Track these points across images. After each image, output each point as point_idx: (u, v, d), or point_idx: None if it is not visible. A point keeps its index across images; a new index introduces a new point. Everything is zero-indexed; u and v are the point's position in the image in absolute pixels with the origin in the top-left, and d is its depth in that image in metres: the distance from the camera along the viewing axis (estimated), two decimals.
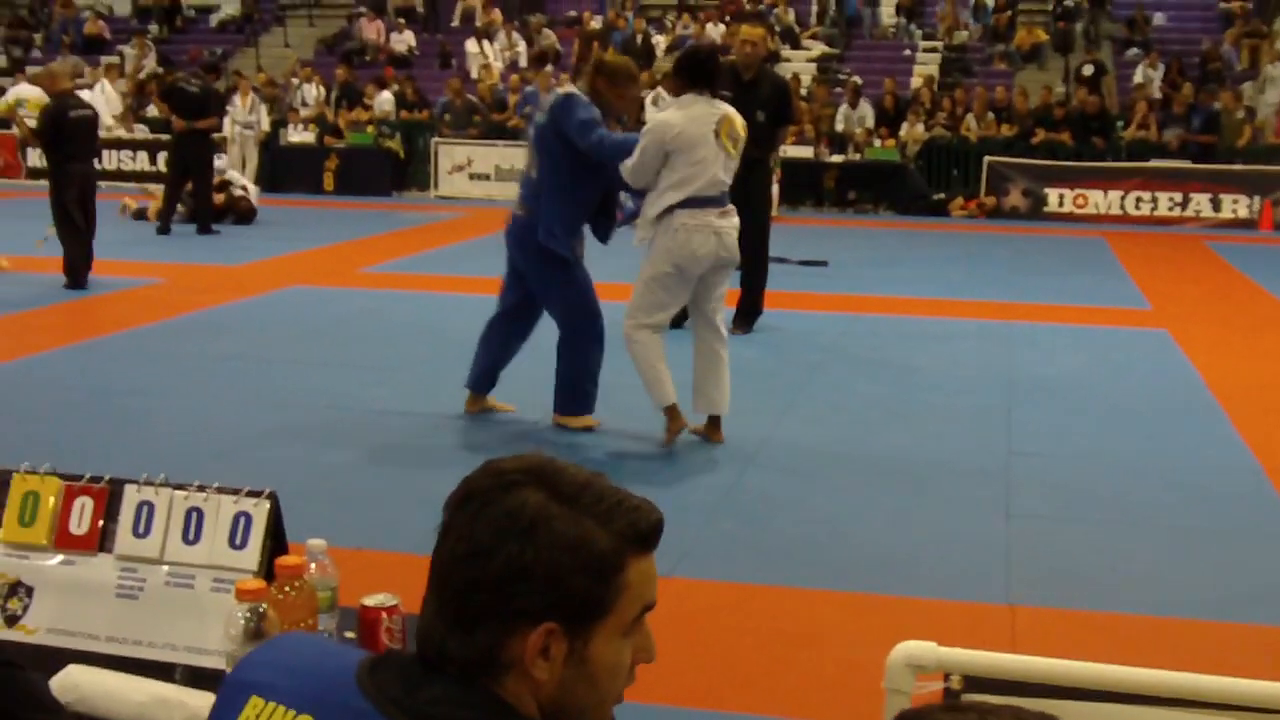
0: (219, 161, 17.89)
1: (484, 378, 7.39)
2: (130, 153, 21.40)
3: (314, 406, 7.63)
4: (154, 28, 27.41)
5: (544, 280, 7.04)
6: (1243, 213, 18.52)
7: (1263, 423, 7.65)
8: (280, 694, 1.58)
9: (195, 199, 15.82)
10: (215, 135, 20.03)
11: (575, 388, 7.15)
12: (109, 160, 21.69)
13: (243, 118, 20.90)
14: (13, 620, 2.62)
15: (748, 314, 10.05)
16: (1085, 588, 5.11)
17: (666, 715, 3.99)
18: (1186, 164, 19.00)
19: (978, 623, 4.71)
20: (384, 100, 22.29)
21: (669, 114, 6.82)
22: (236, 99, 21.20)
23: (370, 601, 2.39)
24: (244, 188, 17.28)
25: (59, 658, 2.49)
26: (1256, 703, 2.06)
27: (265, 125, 21.01)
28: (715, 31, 24.35)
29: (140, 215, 16.42)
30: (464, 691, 1.54)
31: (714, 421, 7.01)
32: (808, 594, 5.01)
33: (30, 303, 10.74)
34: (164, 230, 15.35)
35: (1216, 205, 18.63)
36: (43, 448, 4.38)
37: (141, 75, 24.08)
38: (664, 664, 4.48)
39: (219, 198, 16.50)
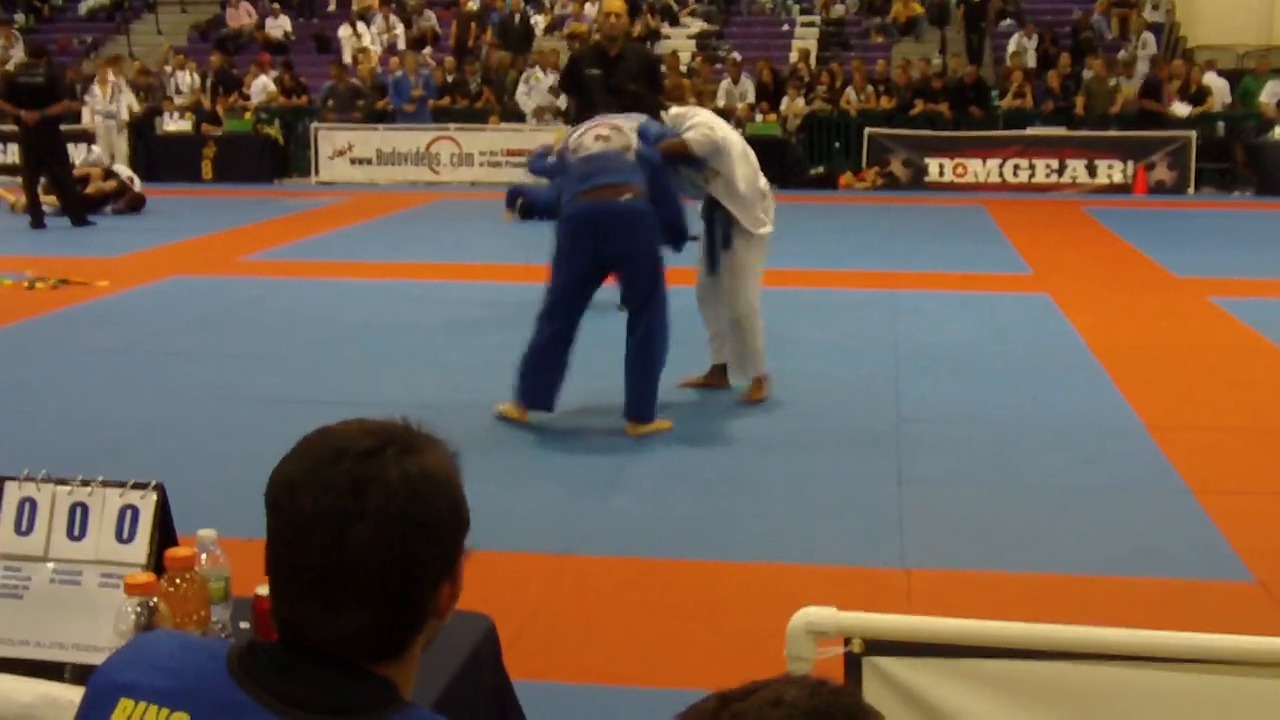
0: (93, 152, 17.47)
1: (545, 396, 6.84)
2: (1, 145, 20.86)
3: (200, 397, 7.51)
4: (20, 17, 26.74)
5: (654, 269, 6.66)
6: (1118, 178, 18.87)
7: (1143, 381, 7.81)
8: (151, 693, 1.53)
9: (57, 191, 15.34)
10: (81, 127, 19.69)
11: (655, 391, 6.78)
12: None
13: (103, 107, 20.45)
14: None
15: None
16: (977, 548, 5.18)
17: (568, 693, 3.99)
18: (1062, 131, 19.32)
19: (874, 587, 4.76)
20: (262, 86, 21.97)
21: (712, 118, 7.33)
22: (95, 88, 20.75)
23: (264, 591, 2.35)
24: (130, 178, 16.94)
25: None
26: (1146, 652, 2.10)
27: (124, 114, 20.51)
28: (593, 10, 24.29)
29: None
30: (348, 676, 1.52)
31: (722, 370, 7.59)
32: (705, 566, 5.03)
33: None
34: (37, 224, 14.98)
35: (1092, 171, 18.97)
36: None
37: (9, 66, 23.50)
38: (565, 642, 4.51)
39: (108, 184, 16.13)
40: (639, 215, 6.57)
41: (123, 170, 17.06)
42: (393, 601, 1.52)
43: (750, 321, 7.27)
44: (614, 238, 6.55)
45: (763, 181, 7.36)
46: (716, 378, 7.60)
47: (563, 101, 16.52)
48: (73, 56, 24.69)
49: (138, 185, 16.94)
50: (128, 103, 20.52)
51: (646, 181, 6.60)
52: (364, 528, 1.49)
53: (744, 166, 7.18)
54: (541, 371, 6.77)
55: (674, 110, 7.37)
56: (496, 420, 6.90)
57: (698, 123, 7.02)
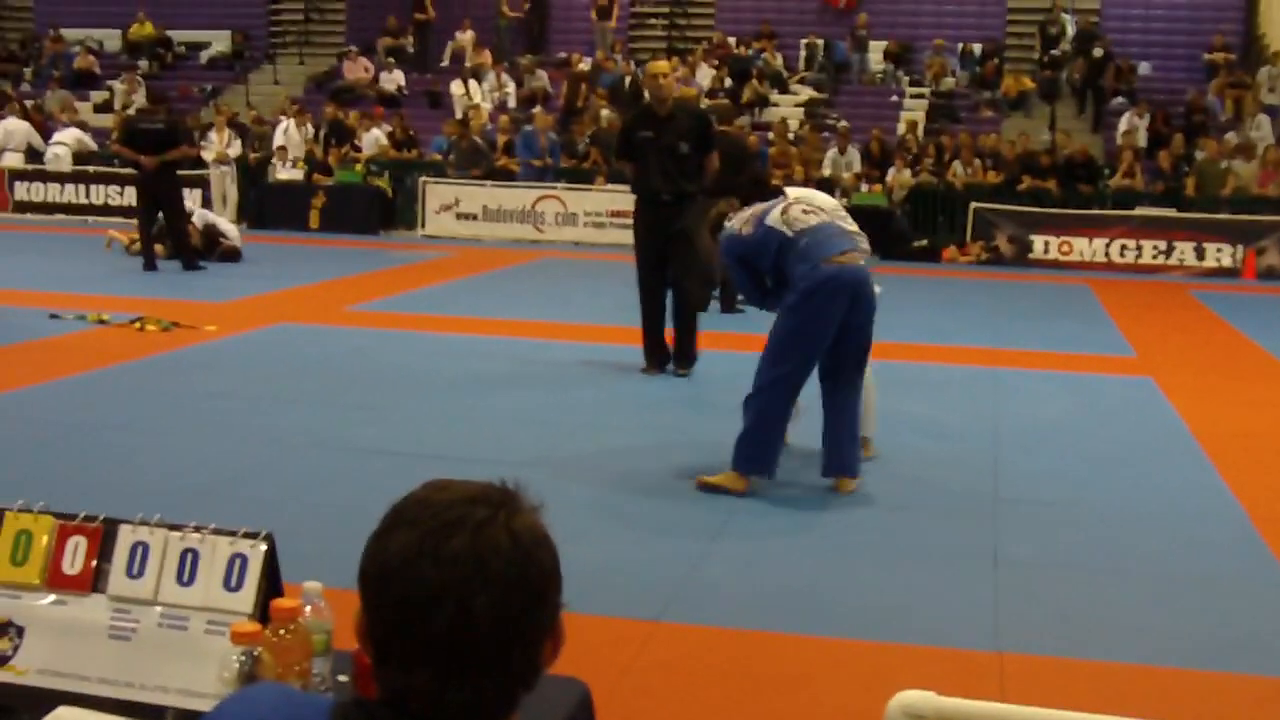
0: (195, 205, 17.64)
1: (774, 463, 6.96)
2: (119, 188, 21.36)
3: (302, 445, 7.61)
4: (144, 64, 27.46)
5: (871, 335, 6.97)
6: (1226, 261, 18.61)
7: (1248, 470, 7.67)
8: None
9: (172, 236, 15.64)
10: (199, 173, 20.12)
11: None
12: (96, 195, 21.72)
13: (218, 154, 20.98)
14: (3, 661, 2.61)
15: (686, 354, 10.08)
16: (1073, 635, 5.11)
17: None
18: (1171, 212, 19.11)
19: (967, 670, 4.70)
20: (374, 139, 22.35)
21: None
22: (213, 135, 21.27)
23: None
24: (216, 229, 17.02)
25: (50, 699, 2.48)
26: None
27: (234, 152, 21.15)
28: (705, 76, 24.47)
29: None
30: None
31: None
32: (796, 640, 5.00)
33: (9, 337, 10.69)
34: (149, 267, 15.31)
35: (1200, 254, 18.72)
36: (27, 485, 4.36)
37: (130, 112, 24.12)
38: (653, 709, 4.50)
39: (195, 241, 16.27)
40: (864, 276, 6.78)
41: (228, 228, 17.12)
42: (511, 664, 1.54)
43: (870, 385, 7.42)
44: (862, 302, 6.74)
45: None
46: None
47: None
48: (192, 103, 25.27)
49: (236, 236, 17.10)
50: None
51: None
52: (487, 597, 1.52)
53: None
54: (777, 441, 6.88)
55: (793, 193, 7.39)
56: (580, 483, 6.94)
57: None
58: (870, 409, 7.53)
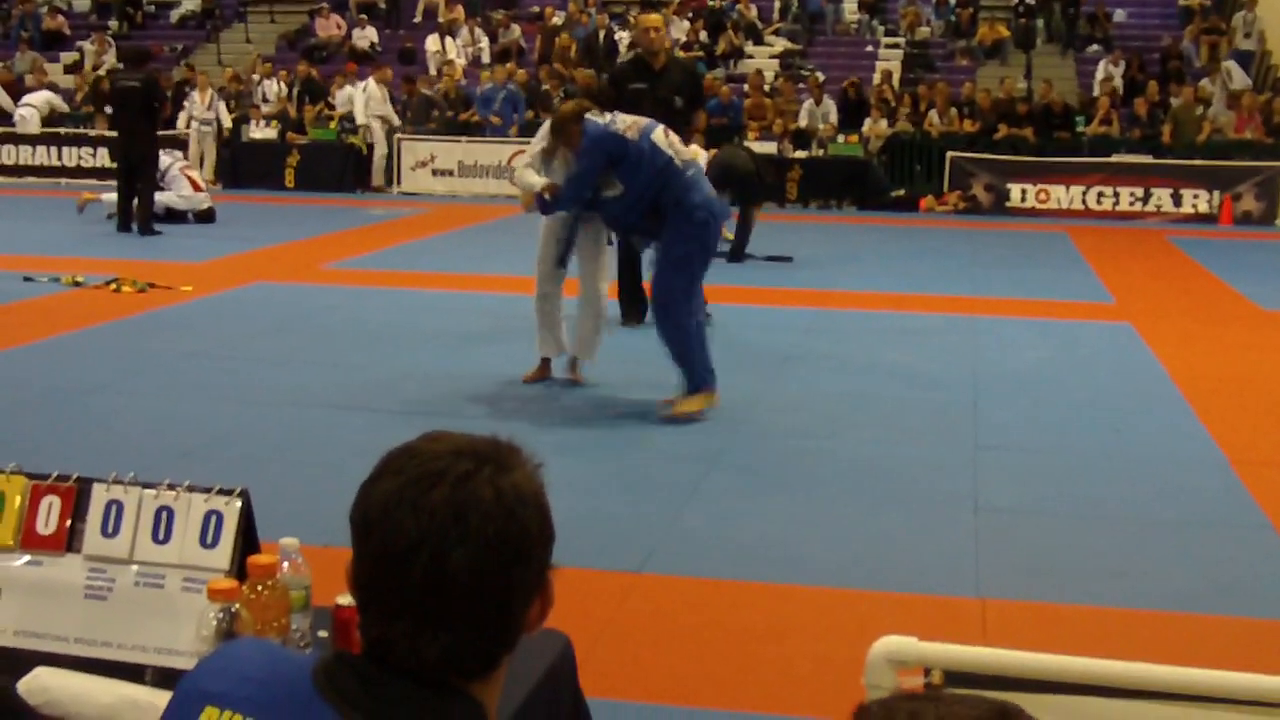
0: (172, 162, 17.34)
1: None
2: (90, 150, 21.21)
3: (280, 403, 7.58)
4: (114, 23, 27.18)
5: None
6: (1203, 207, 18.62)
7: (1227, 415, 7.69)
8: (236, 702, 1.55)
9: (139, 200, 15.37)
10: (173, 133, 19.92)
11: None
12: (69, 157, 21.54)
13: (201, 114, 20.80)
14: None
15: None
16: (1054, 580, 5.12)
17: (638, 712, 3.98)
18: (1148, 159, 19.10)
19: (949, 616, 4.71)
20: (347, 96, 22.17)
21: None
22: (195, 95, 21.10)
23: (344, 600, 2.36)
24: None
25: (26, 660, 2.46)
26: (1226, 694, 2.06)
27: (227, 121, 20.94)
28: (680, 29, 24.32)
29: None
30: (435, 694, 1.52)
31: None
32: (777, 589, 5.01)
33: None
34: (123, 228, 15.19)
35: (1177, 200, 18.73)
36: (3, 448, 4.33)
37: (100, 71, 23.89)
38: (635, 660, 4.50)
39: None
40: None
41: (172, 199, 16.54)
42: (488, 621, 1.52)
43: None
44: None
45: None
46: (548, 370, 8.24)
47: None
48: (163, 63, 25.05)
49: (200, 200, 16.65)
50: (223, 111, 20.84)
51: None
52: (464, 551, 1.49)
53: None
54: (706, 347, 7.46)
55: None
56: (563, 433, 6.93)
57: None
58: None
